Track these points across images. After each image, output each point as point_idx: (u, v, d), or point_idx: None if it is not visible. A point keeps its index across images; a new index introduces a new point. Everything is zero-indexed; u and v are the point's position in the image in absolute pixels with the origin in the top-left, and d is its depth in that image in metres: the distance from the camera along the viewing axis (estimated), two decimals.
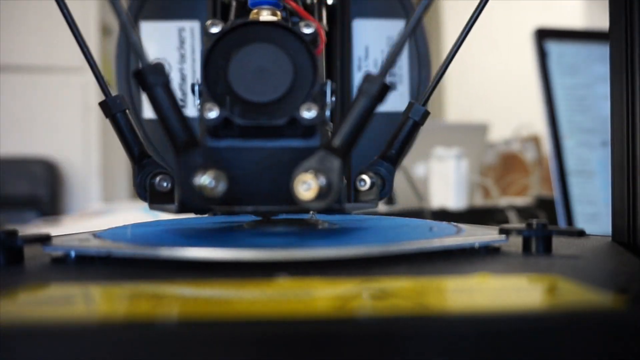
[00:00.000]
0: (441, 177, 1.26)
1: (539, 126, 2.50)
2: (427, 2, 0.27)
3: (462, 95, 3.30)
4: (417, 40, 0.53)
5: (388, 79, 0.29)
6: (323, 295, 0.21)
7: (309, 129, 0.27)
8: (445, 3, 3.34)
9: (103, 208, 1.54)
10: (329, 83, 0.29)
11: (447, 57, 0.36)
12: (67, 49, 2.28)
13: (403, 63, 0.46)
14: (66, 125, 2.34)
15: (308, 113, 0.27)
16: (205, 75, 0.27)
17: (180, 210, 0.28)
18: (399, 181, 1.21)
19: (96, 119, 2.34)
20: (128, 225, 0.35)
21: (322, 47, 0.30)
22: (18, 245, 0.27)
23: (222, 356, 0.16)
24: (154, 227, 0.35)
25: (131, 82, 0.54)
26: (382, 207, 1.15)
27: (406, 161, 0.58)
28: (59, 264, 0.27)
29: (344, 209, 0.28)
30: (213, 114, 0.26)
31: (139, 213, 1.32)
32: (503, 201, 1.46)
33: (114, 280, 0.23)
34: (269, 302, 0.19)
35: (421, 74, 0.53)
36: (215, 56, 0.28)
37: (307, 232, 0.31)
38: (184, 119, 0.26)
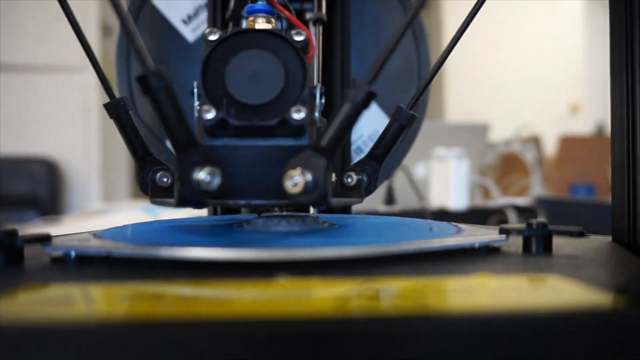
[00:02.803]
0: (441, 177, 1.26)
1: (539, 126, 2.50)
2: (413, 14, 0.28)
3: (462, 96, 3.30)
4: (417, 43, 0.54)
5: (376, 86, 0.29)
6: (323, 295, 0.21)
7: (298, 129, 0.29)
8: (446, 4, 3.34)
9: (103, 208, 1.54)
10: (318, 87, 0.31)
11: (437, 62, 0.36)
12: (67, 48, 2.28)
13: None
14: (66, 125, 2.34)
15: (297, 114, 0.29)
16: (204, 79, 0.29)
17: (179, 203, 0.29)
18: (399, 181, 1.21)
19: (96, 119, 2.34)
20: (128, 225, 0.35)
21: (312, 53, 0.32)
22: (18, 245, 0.27)
23: (223, 356, 0.16)
24: (154, 227, 0.35)
25: (132, 82, 0.54)
26: (382, 207, 1.15)
27: (407, 161, 0.58)
28: (59, 264, 0.27)
29: (329, 203, 0.30)
30: (210, 114, 0.29)
31: (139, 213, 1.32)
32: (503, 201, 1.46)
33: (114, 280, 0.23)
34: (269, 302, 0.19)
35: (421, 74, 0.53)
36: (213, 61, 0.30)
37: (307, 232, 0.31)
38: (184, 121, 0.28)
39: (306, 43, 0.30)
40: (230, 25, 0.46)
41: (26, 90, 2.30)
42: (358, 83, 0.28)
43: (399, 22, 0.54)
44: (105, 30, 2.32)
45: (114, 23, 2.23)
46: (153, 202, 0.35)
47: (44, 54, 2.30)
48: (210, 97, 0.29)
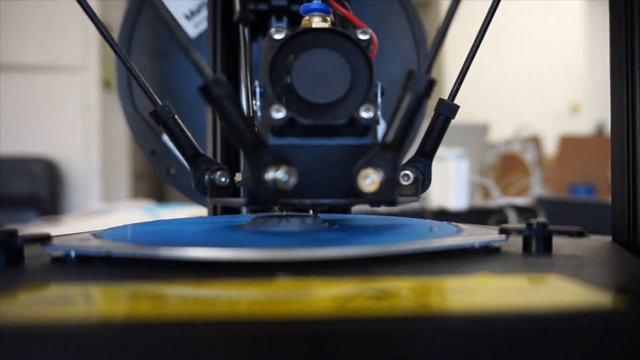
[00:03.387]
0: (442, 177, 1.26)
1: (539, 126, 2.50)
2: None
3: (462, 96, 3.29)
4: (418, 51, 0.54)
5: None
6: (323, 295, 0.21)
7: (365, 128, 0.29)
8: (446, 4, 3.33)
9: (103, 208, 1.54)
10: (379, 85, 0.30)
11: (470, 54, 0.36)
12: (67, 49, 2.28)
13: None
14: (66, 125, 2.34)
15: (367, 113, 0.28)
16: (271, 79, 0.29)
17: (250, 202, 0.29)
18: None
19: (96, 119, 2.34)
20: (128, 225, 0.35)
21: (375, 51, 0.31)
22: (18, 245, 0.27)
23: (222, 356, 0.16)
24: (154, 227, 0.35)
25: (132, 81, 0.54)
26: (382, 207, 1.15)
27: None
28: (59, 264, 0.27)
29: (397, 202, 0.30)
30: (280, 114, 0.28)
31: (139, 213, 1.32)
32: (503, 201, 1.46)
33: (114, 280, 0.23)
34: (269, 302, 0.19)
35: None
36: (279, 61, 0.29)
37: (308, 232, 0.31)
38: (250, 124, 0.28)
39: (370, 41, 0.30)
40: (241, 27, 0.46)
41: (26, 90, 2.30)
42: (417, 73, 0.28)
43: (400, 22, 0.54)
44: (106, 29, 2.32)
45: (114, 22, 2.23)
46: (213, 202, 0.35)
47: (44, 54, 2.30)
48: (277, 96, 0.29)
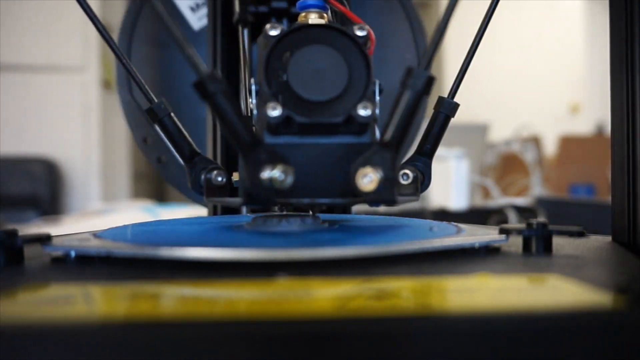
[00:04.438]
0: (442, 177, 1.26)
1: (539, 126, 2.50)
2: None
3: (462, 96, 3.29)
4: (416, 38, 0.53)
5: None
6: (323, 295, 0.21)
7: (362, 126, 0.29)
8: (446, 4, 3.33)
9: (103, 208, 1.54)
10: (377, 82, 0.30)
11: (469, 52, 0.36)
12: (67, 48, 2.28)
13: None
14: (66, 125, 2.34)
15: (364, 111, 0.28)
16: (266, 76, 0.29)
17: (246, 201, 0.29)
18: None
19: (96, 119, 2.34)
20: (128, 225, 0.35)
21: (372, 48, 0.31)
22: (18, 245, 0.27)
23: (223, 356, 0.16)
24: (154, 227, 0.35)
25: (131, 81, 0.54)
26: (382, 207, 1.15)
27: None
28: (59, 264, 0.27)
29: (396, 201, 0.29)
30: (276, 112, 0.28)
31: (139, 213, 1.32)
32: (503, 201, 1.46)
33: (114, 280, 0.23)
34: (269, 302, 0.19)
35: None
36: (274, 57, 0.29)
37: (308, 232, 0.31)
38: (246, 121, 0.27)
39: (368, 38, 0.30)
40: (240, 28, 0.46)
41: (26, 90, 2.30)
42: (415, 70, 0.27)
43: (402, 31, 0.54)
44: (106, 29, 2.31)
45: (114, 22, 2.23)
46: (210, 202, 0.34)
47: (44, 54, 2.30)
48: (273, 94, 0.28)
